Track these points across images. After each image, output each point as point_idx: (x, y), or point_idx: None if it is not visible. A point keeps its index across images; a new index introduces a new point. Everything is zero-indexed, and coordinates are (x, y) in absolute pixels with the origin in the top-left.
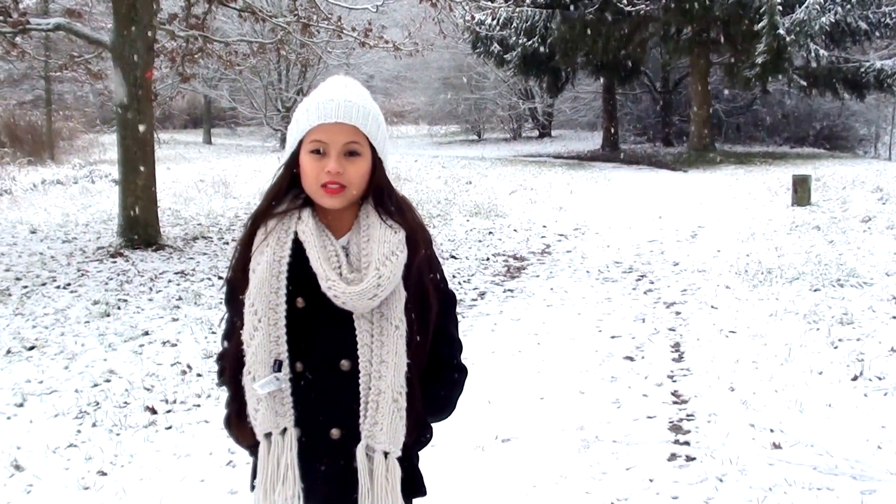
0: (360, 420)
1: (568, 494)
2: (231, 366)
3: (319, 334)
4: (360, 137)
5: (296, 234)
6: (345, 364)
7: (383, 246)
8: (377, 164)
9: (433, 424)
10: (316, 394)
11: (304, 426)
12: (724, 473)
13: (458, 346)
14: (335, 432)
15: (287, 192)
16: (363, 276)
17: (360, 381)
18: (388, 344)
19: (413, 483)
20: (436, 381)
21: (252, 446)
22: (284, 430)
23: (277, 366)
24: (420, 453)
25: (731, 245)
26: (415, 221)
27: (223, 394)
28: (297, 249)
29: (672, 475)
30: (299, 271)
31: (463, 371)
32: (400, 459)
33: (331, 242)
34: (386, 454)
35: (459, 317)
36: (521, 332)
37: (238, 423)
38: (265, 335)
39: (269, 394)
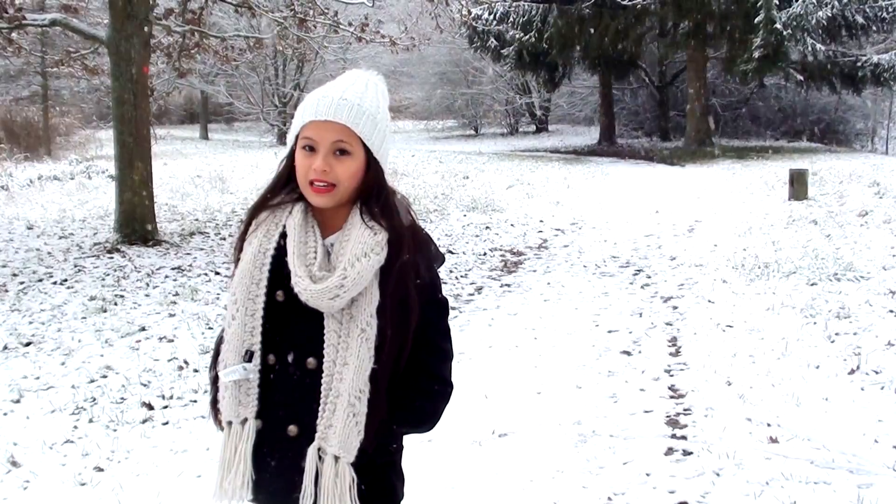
0: (318, 420)
1: (565, 489)
2: (216, 351)
3: (293, 329)
4: (351, 137)
5: (284, 227)
6: (311, 362)
7: (357, 246)
8: (371, 164)
9: (413, 435)
10: (281, 388)
11: (265, 419)
12: (721, 467)
13: (442, 357)
14: (293, 429)
15: (285, 185)
16: (331, 275)
17: (322, 380)
18: (352, 346)
19: (383, 491)
20: (413, 391)
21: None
22: (245, 420)
23: (248, 356)
24: (412, 450)
25: (728, 239)
26: (402, 225)
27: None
28: (285, 243)
29: (669, 469)
30: (283, 265)
31: (446, 384)
32: (362, 467)
33: (313, 239)
34: (336, 459)
35: (457, 312)
36: (518, 327)
37: (213, 408)
38: (241, 324)
39: (234, 383)
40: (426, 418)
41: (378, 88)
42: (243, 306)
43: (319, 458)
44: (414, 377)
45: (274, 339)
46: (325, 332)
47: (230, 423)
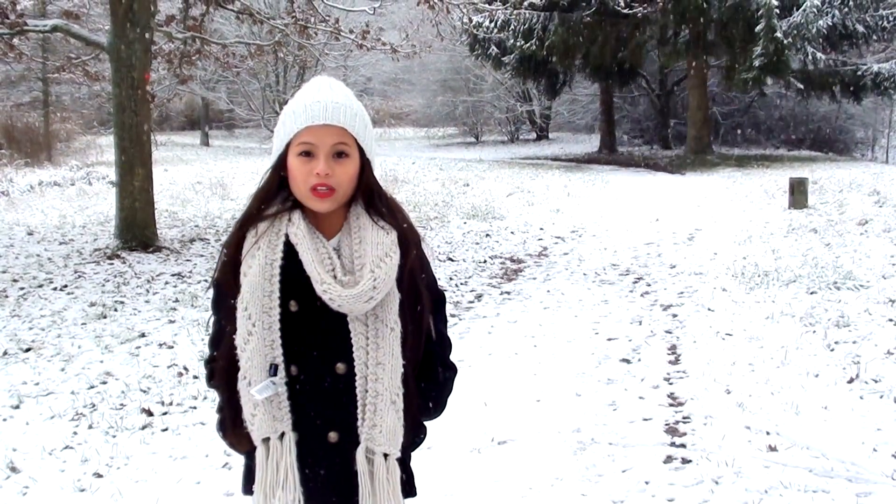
0: (359, 423)
1: (564, 497)
2: (224, 371)
3: (314, 337)
4: (348, 138)
5: (286, 236)
6: (340, 367)
7: (377, 248)
8: (365, 165)
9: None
10: (312, 397)
11: (302, 430)
12: (719, 476)
13: (448, 346)
14: (333, 435)
15: (275, 195)
16: (357, 278)
17: (356, 383)
18: (384, 346)
19: (407, 484)
20: (427, 381)
21: (249, 452)
22: (282, 434)
23: (273, 370)
24: (413, 454)
25: (727, 248)
26: (405, 222)
27: (218, 396)
28: (289, 252)
29: (668, 477)
30: (292, 274)
31: (453, 370)
32: (398, 460)
33: (323, 245)
34: (386, 456)
35: (457, 319)
36: (517, 335)
37: (234, 428)
38: (260, 339)
39: (266, 398)
40: (439, 405)
41: (351, 93)
42: (259, 320)
43: (367, 458)
44: (427, 367)
45: (293, 350)
46: (351, 335)
47: (265, 440)
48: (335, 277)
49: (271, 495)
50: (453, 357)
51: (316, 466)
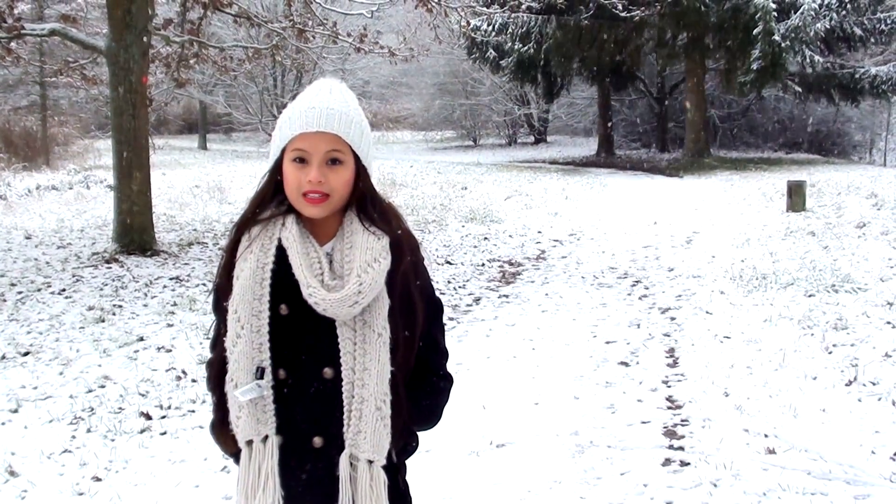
0: (344, 428)
1: (562, 499)
2: (215, 372)
3: (302, 342)
4: (343, 145)
5: (279, 240)
6: (328, 372)
7: (366, 253)
8: (361, 171)
9: (418, 433)
10: (298, 401)
11: (286, 434)
12: (718, 478)
13: (443, 355)
14: (317, 440)
15: (272, 199)
16: (344, 283)
17: (342, 389)
18: (371, 352)
19: (398, 492)
20: (421, 390)
21: (235, 454)
22: (266, 437)
23: (260, 373)
24: (410, 461)
25: (725, 251)
26: (400, 228)
27: (212, 398)
28: (281, 256)
29: (666, 480)
30: (283, 278)
31: (448, 380)
32: (385, 468)
33: (314, 249)
34: (370, 462)
35: (455, 322)
36: (515, 338)
37: (222, 430)
38: (248, 342)
39: (250, 401)
40: (433, 415)
41: (353, 97)
42: (248, 323)
43: (351, 465)
44: (420, 376)
45: (282, 354)
46: (339, 340)
47: (249, 442)
48: (322, 282)
49: (252, 497)
50: (451, 361)
51: (298, 471)
